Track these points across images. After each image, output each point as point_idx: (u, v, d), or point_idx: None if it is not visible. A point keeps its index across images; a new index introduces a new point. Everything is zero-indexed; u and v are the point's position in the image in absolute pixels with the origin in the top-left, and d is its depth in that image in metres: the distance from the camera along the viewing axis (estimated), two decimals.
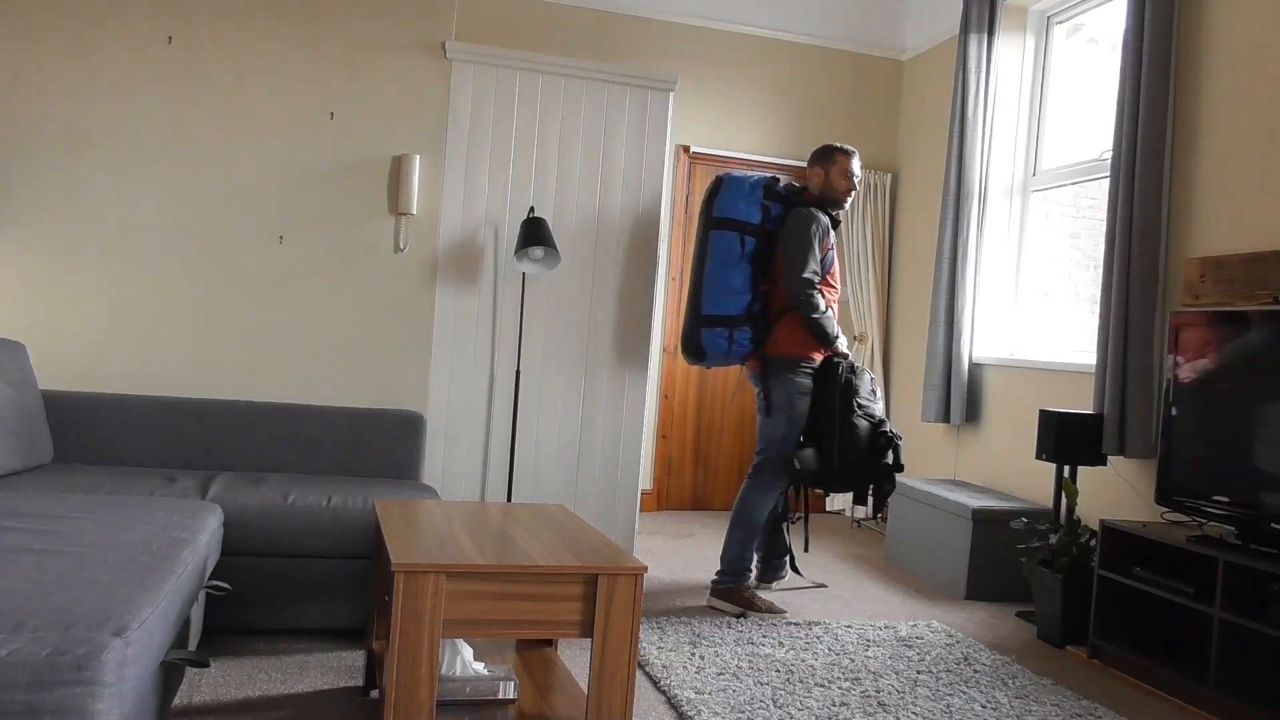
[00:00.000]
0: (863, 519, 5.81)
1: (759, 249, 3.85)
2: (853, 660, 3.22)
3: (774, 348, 3.84)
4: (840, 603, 3.97)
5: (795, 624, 3.58)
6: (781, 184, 3.96)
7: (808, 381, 3.80)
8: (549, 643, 2.77)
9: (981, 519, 4.18)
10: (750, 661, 3.13)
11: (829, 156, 3.93)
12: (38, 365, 3.72)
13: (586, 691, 2.26)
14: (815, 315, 3.76)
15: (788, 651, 3.26)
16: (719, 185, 3.94)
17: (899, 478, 4.62)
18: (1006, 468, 4.74)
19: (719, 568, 3.85)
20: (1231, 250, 3.59)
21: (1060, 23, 5.03)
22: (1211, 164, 3.71)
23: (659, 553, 4.64)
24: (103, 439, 3.52)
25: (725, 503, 5.90)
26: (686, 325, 3.94)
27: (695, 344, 3.88)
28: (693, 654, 3.16)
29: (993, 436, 4.86)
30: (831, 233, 3.91)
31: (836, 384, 3.76)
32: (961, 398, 4.96)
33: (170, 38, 3.81)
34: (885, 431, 3.78)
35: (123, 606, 1.74)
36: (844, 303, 5.98)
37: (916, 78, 5.90)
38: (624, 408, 4.31)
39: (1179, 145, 3.86)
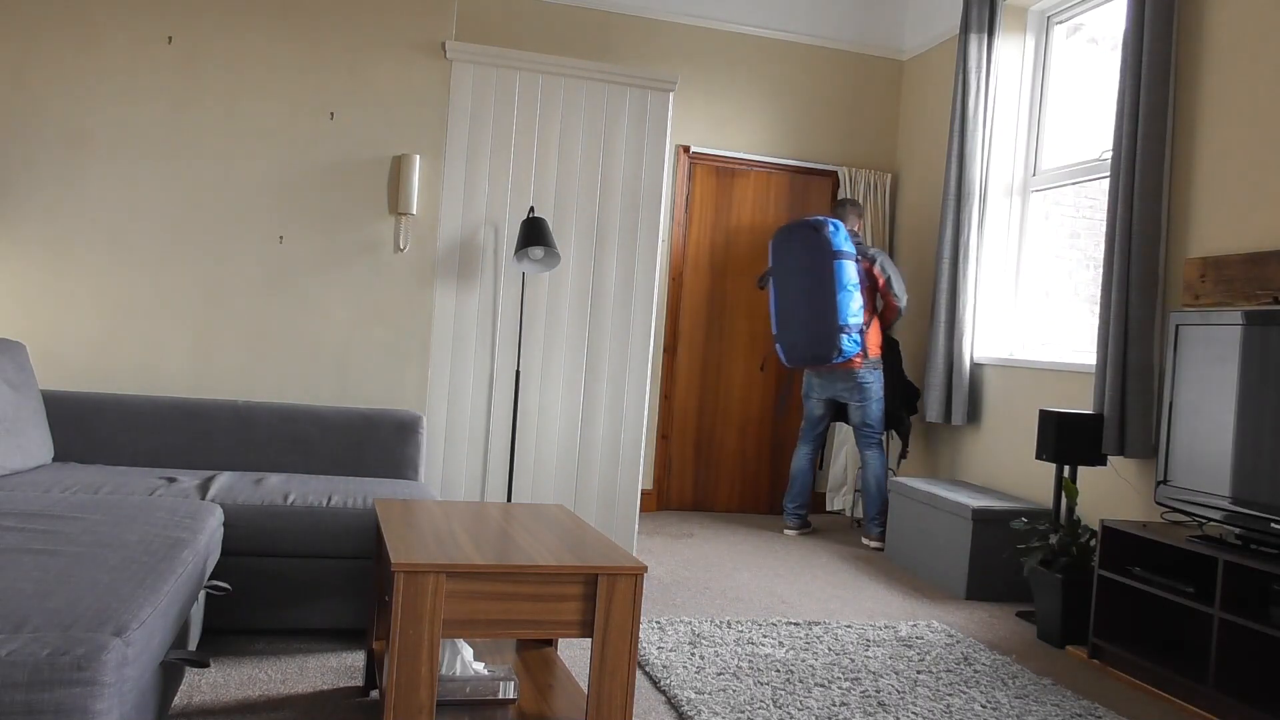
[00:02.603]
0: (863, 519, 5.81)
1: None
2: (853, 660, 3.22)
3: (872, 350, 5.10)
4: (840, 603, 3.97)
5: (795, 624, 3.58)
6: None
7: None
8: (549, 643, 2.77)
9: (981, 519, 4.18)
10: (750, 661, 3.13)
11: (859, 207, 5.36)
12: (38, 365, 3.72)
13: (586, 691, 2.26)
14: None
15: (788, 651, 3.26)
16: (822, 227, 4.98)
17: (900, 478, 4.92)
18: (1006, 468, 4.74)
19: (879, 520, 5.11)
20: (1231, 250, 3.59)
21: (1060, 23, 5.03)
22: (1211, 164, 3.71)
23: (659, 553, 4.64)
24: (103, 439, 3.52)
25: (726, 503, 5.90)
26: (821, 332, 4.93)
27: (834, 346, 4.91)
28: (693, 654, 3.16)
29: (993, 436, 4.86)
30: None
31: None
32: (963, 398, 4.96)
33: (170, 38, 3.81)
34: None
35: (123, 606, 1.74)
36: None
37: (916, 78, 5.90)
38: (624, 408, 4.31)
39: (1179, 145, 3.86)
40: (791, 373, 5.54)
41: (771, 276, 5.21)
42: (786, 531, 5.32)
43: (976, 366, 5.03)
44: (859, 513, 5.84)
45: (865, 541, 5.14)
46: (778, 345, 5.19)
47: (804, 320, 5.00)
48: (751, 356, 5.85)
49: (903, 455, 5.40)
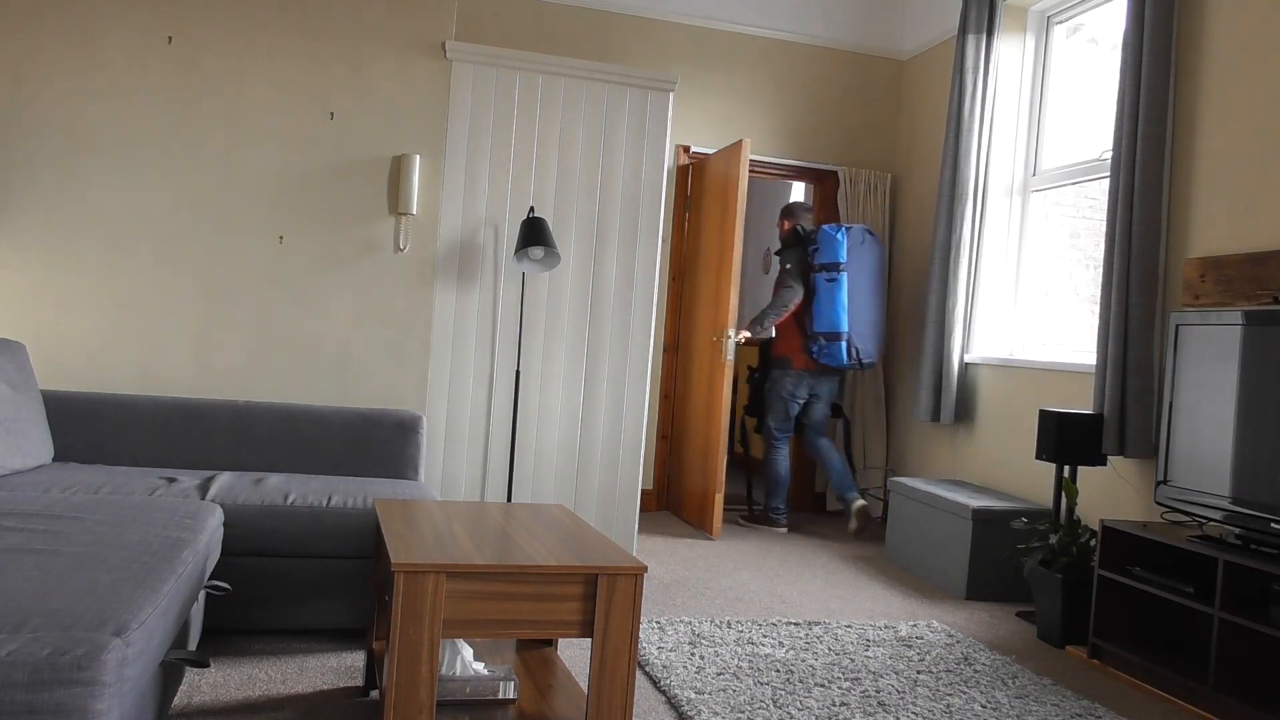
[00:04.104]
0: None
1: None
2: (853, 660, 3.22)
3: None
4: (840, 603, 3.97)
5: (795, 624, 3.58)
6: None
7: None
8: (549, 643, 2.77)
9: (981, 519, 4.18)
10: (750, 661, 3.13)
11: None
12: (38, 365, 3.72)
13: (586, 691, 2.26)
14: None
15: (788, 651, 3.26)
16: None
17: (900, 479, 4.87)
18: (1006, 468, 4.74)
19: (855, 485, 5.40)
20: (1231, 250, 3.59)
21: (1060, 23, 5.03)
22: (1211, 164, 3.71)
23: (659, 553, 4.64)
24: (103, 439, 3.52)
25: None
26: (877, 338, 5.35)
27: (879, 352, 5.43)
28: (693, 654, 3.16)
29: (992, 436, 4.86)
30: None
31: None
32: (951, 397, 4.96)
33: (170, 38, 3.81)
34: None
35: (123, 606, 1.74)
36: None
37: (916, 78, 5.90)
38: (624, 408, 4.31)
39: (1179, 145, 3.86)
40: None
41: (844, 273, 5.27)
42: (781, 531, 5.36)
43: (969, 366, 5.03)
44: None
45: (852, 503, 5.28)
46: (839, 343, 5.23)
47: (871, 324, 5.31)
48: (701, 353, 5.85)
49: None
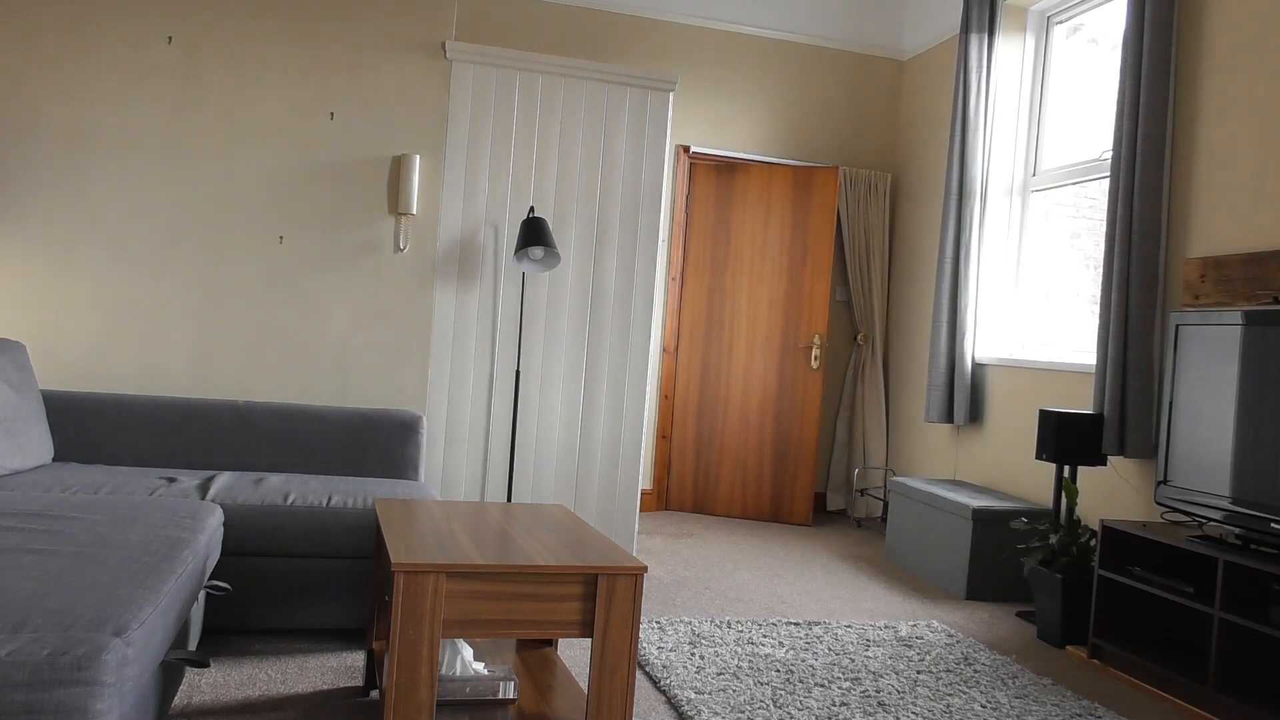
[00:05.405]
0: (863, 519, 5.81)
1: None
2: (853, 660, 3.22)
3: None
4: (840, 603, 3.97)
5: (795, 624, 3.58)
6: None
7: None
8: (549, 643, 2.77)
9: (981, 519, 4.18)
10: (750, 661, 3.13)
11: None
12: (38, 365, 3.73)
13: (586, 691, 2.26)
14: None
15: (788, 651, 3.26)
16: None
17: (900, 478, 4.85)
18: (1007, 468, 4.74)
19: None
20: (1231, 250, 3.59)
21: (1060, 23, 5.03)
22: (1211, 164, 3.71)
23: (659, 553, 4.64)
24: (103, 439, 3.52)
25: (727, 506, 5.90)
26: None
27: None
28: (693, 654, 3.16)
29: (993, 436, 4.86)
30: None
31: None
32: (965, 398, 4.95)
33: (170, 38, 3.81)
34: None
35: (123, 606, 1.74)
36: (845, 303, 5.99)
37: (916, 78, 5.90)
38: (624, 408, 4.31)
39: (1179, 145, 3.86)
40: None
41: None
42: None
43: (978, 367, 5.02)
44: (856, 512, 5.84)
45: None
46: None
47: None
48: (749, 356, 5.85)
49: None
